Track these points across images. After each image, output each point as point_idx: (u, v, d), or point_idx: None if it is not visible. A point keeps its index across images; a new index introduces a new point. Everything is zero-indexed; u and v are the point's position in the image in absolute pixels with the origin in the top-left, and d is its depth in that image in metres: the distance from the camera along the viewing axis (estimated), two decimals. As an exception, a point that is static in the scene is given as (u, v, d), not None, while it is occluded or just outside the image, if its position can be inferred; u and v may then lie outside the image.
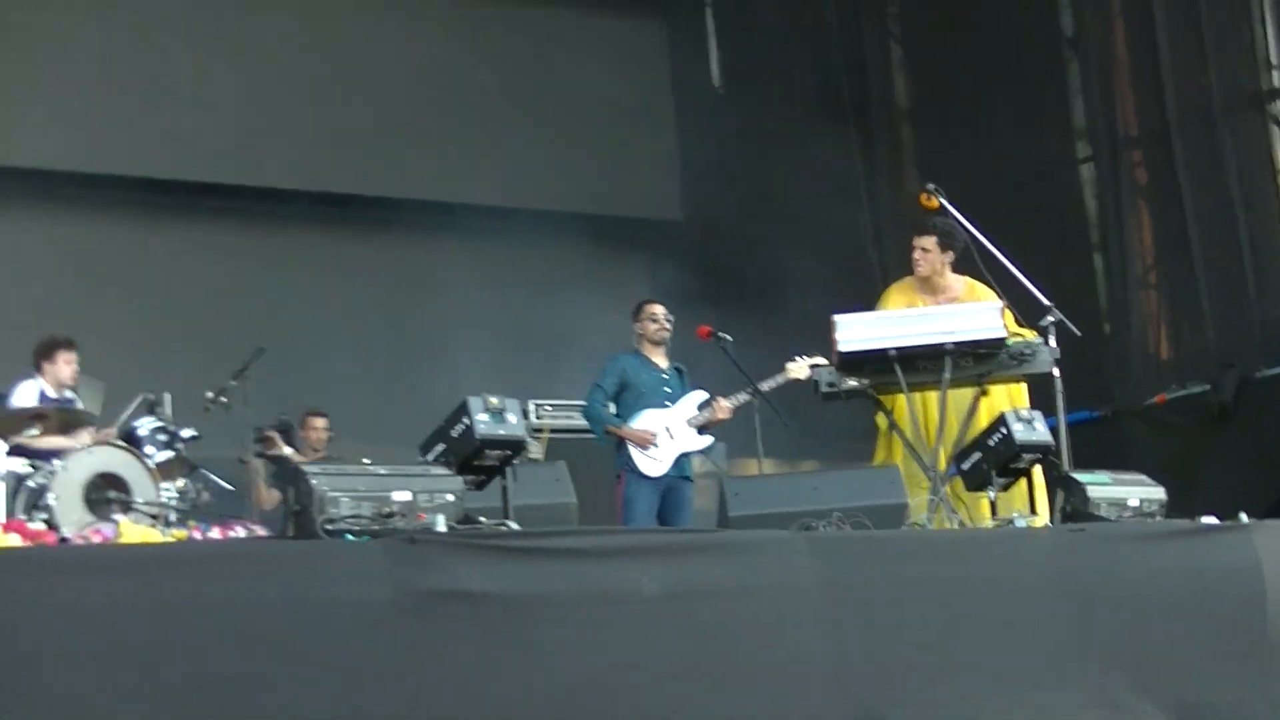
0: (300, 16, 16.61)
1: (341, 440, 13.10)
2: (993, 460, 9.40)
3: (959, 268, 10.65)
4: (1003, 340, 9.62)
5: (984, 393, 9.89)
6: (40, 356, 11.21)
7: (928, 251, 10.62)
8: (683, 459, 10.88)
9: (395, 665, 6.49)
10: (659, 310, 11.09)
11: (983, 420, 9.75)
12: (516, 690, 6.74)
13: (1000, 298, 10.17)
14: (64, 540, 7.82)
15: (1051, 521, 9.24)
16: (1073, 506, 9.10)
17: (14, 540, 7.39)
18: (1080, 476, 9.24)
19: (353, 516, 6.96)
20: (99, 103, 15.39)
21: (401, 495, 7.18)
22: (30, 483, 9.68)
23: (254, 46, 16.34)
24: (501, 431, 8.12)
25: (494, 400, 8.16)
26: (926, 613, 7.81)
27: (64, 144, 15.26)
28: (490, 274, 16.03)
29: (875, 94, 18.29)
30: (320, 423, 13.15)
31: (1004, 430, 9.34)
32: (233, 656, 6.22)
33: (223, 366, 12.30)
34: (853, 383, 9.76)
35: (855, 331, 9.64)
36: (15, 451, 9.81)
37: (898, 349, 9.55)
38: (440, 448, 8.10)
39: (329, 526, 6.89)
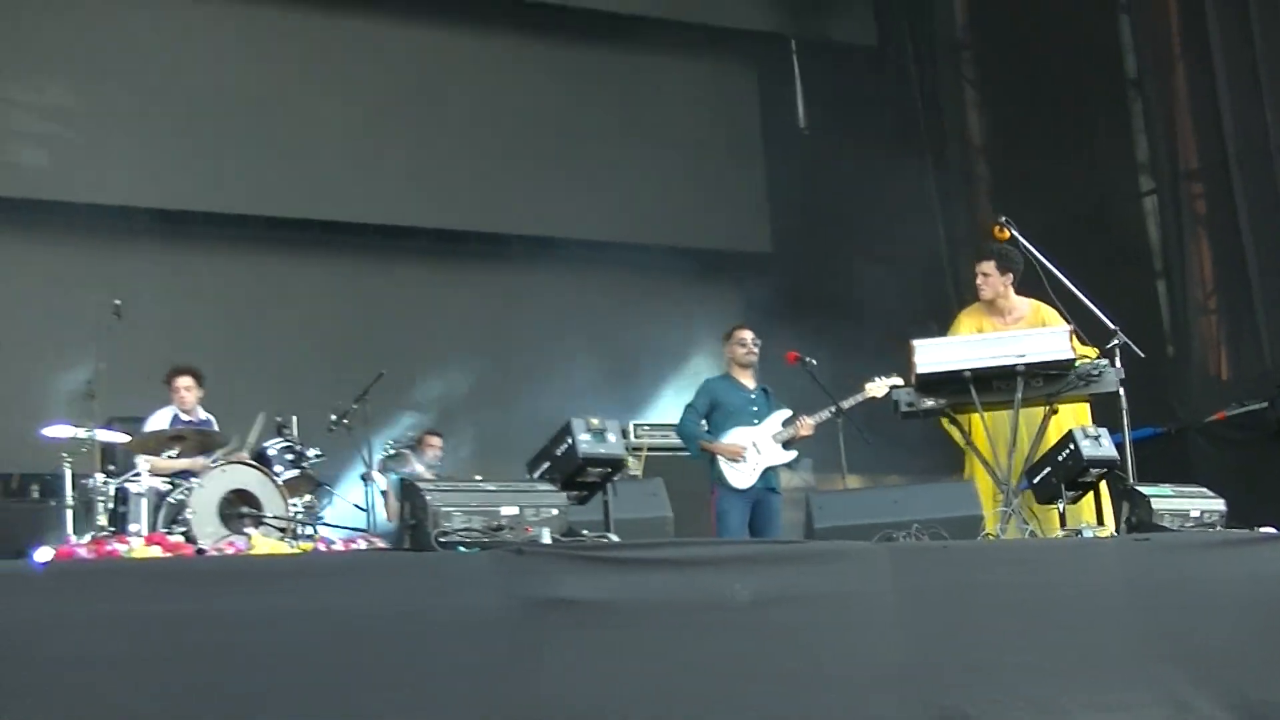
0: (418, 71, 16.77)
1: (455, 458, 13.15)
2: (1062, 474, 9.32)
3: (1029, 292, 10.58)
4: (1071, 362, 9.53)
5: (1054, 411, 9.81)
6: (166, 385, 11.38)
7: (988, 275, 10.56)
8: (770, 472, 10.87)
9: (504, 668, 6.50)
10: (747, 335, 11.11)
11: (1051, 437, 9.67)
12: (617, 690, 6.75)
13: (1065, 319, 10.10)
14: (200, 552, 7.90)
15: (1117, 532, 9.17)
16: (1137, 518, 9.02)
17: (155, 552, 7.48)
18: (1144, 489, 9.14)
19: (464, 530, 6.99)
20: (232, 148, 15.59)
21: (510, 510, 7.18)
22: (170, 499, 9.80)
23: (375, 97, 16.49)
24: (602, 450, 8.09)
25: (595, 421, 8.15)
26: (999, 618, 7.75)
27: (199, 187, 15.49)
28: (592, 303, 16.06)
29: (951, 132, 18.30)
30: (437, 441, 13.23)
31: (1072, 446, 9.26)
32: (354, 659, 6.26)
33: (345, 391, 12.38)
34: (930, 402, 9.69)
35: (932, 354, 9.59)
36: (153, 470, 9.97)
37: (972, 370, 9.49)
38: (546, 465, 8.09)
39: (442, 539, 6.91)
